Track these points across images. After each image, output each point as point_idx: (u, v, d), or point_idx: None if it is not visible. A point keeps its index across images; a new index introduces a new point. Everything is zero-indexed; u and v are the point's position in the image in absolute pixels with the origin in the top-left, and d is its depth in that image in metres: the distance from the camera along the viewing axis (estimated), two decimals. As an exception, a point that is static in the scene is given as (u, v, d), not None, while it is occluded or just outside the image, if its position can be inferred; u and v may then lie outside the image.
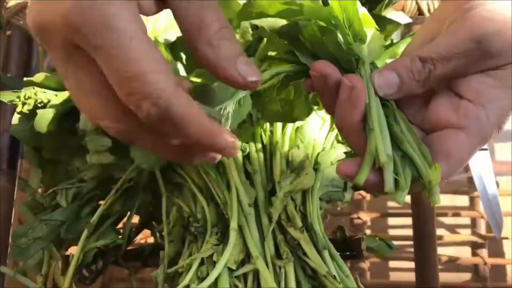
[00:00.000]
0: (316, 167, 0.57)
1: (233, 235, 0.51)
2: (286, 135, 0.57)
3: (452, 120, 0.35)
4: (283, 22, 0.39)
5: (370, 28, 0.40)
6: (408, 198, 0.74)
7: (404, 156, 0.35)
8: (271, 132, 0.57)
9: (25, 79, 0.55)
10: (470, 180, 1.02)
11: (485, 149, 0.66)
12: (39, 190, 0.63)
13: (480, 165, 0.66)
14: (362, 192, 0.97)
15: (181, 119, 0.29)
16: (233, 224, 0.51)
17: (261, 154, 0.56)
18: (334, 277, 0.48)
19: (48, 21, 0.28)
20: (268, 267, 0.49)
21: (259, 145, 0.56)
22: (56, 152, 0.59)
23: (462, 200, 1.07)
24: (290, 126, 0.57)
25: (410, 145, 0.35)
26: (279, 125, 0.57)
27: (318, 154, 0.58)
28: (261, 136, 0.56)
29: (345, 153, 0.61)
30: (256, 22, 0.40)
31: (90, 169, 0.60)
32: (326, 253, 0.51)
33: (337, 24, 0.38)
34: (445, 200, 1.08)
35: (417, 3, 0.68)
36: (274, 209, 0.53)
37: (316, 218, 0.53)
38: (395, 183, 0.34)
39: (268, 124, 0.57)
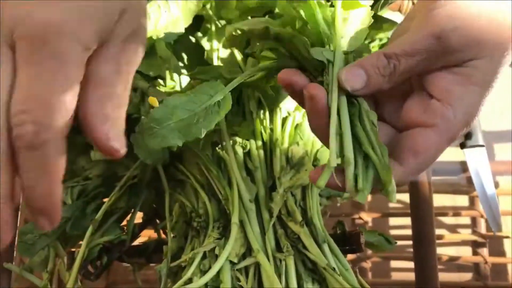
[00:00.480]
0: (315, 164, 0.58)
1: (234, 229, 0.52)
2: (285, 132, 0.58)
3: (422, 119, 0.37)
4: (263, 23, 0.41)
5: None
6: (407, 199, 0.75)
7: (367, 157, 0.36)
8: (271, 129, 0.58)
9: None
10: (470, 180, 1.03)
11: (482, 146, 0.68)
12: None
13: (477, 161, 0.67)
14: (363, 193, 0.99)
15: None
16: (235, 219, 0.53)
17: (261, 151, 0.57)
18: (334, 269, 0.49)
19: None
20: (269, 260, 0.50)
21: (259, 142, 0.57)
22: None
23: (462, 200, 1.07)
24: (289, 123, 0.58)
25: (371, 146, 0.36)
26: (278, 122, 0.58)
27: (317, 150, 0.59)
28: (261, 133, 0.58)
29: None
30: (238, 25, 0.42)
31: (94, 167, 0.61)
32: (325, 247, 0.52)
33: (304, 27, 0.40)
34: (445, 200, 1.09)
35: (413, 3, 0.69)
36: (274, 204, 0.54)
37: (316, 212, 0.55)
38: (356, 184, 0.35)
39: (268, 122, 0.58)
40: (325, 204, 0.61)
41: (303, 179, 0.56)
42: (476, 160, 0.67)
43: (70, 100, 0.30)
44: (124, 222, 0.62)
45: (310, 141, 0.59)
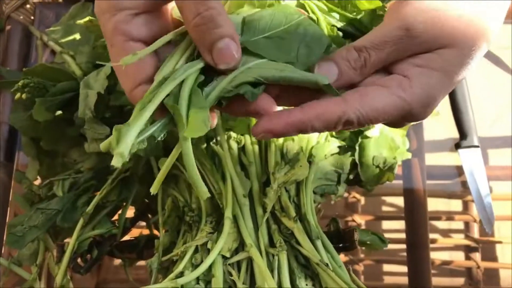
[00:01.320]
0: (310, 160, 0.58)
1: (227, 224, 0.51)
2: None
3: (378, 82, 0.37)
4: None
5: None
6: (401, 202, 0.75)
7: None
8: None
9: (24, 69, 0.55)
10: (464, 184, 1.03)
11: (477, 146, 0.68)
12: (36, 182, 0.64)
13: (472, 161, 0.67)
14: (357, 195, 0.98)
15: None
16: (228, 213, 0.52)
17: (256, 146, 0.57)
18: (327, 265, 0.48)
19: None
20: (261, 256, 0.50)
21: (254, 138, 0.57)
22: (54, 143, 0.59)
23: (456, 204, 1.07)
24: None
25: None
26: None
27: (312, 147, 0.58)
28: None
29: (339, 147, 0.62)
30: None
31: (86, 160, 0.61)
32: (319, 243, 0.51)
33: None
34: (438, 204, 1.09)
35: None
36: (268, 199, 0.54)
37: (310, 209, 0.54)
38: None
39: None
40: (319, 201, 0.61)
41: (298, 175, 0.55)
42: (471, 160, 0.67)
43: None
44: (116, 217, 0.61)
45: (305, 137, 0.58)
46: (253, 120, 0.58)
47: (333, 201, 0.62)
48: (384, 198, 1.08)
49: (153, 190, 0.34)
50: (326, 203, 0.62)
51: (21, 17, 0.70)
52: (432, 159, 0.77)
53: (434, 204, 1.04)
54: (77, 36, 0.59)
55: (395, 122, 0.39)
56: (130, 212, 0.62)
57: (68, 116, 0.56)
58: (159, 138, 0.33)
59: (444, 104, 0.71)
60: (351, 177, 0.64)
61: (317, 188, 0.60)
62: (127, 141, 0.31)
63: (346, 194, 0.98)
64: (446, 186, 0.97)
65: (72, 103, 0.55)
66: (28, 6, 0.70)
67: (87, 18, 0.55)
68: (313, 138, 0.59)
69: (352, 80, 0.38)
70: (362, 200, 1.04)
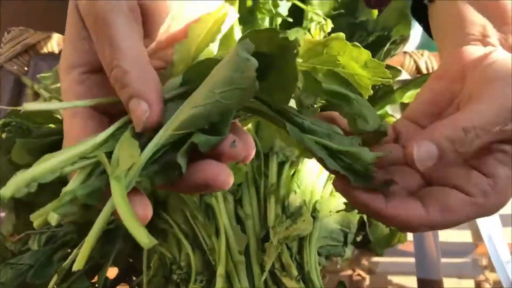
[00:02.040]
0: (314, 215, 0.52)
1: (219, 283, 0.45)
2: (282, 178, 0.53)
3: (461, 184, 0.33)
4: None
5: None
6: (412, 260, 0.68)
7: None
8: (266, 175, 0.53)
9: (10, 109, 0.52)
10: (475, 263, 0.96)
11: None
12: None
13: (490, 226, 0.62)
14: (362, 273, 0.91)
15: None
16: (221, 270, 0.46)
17: (254, 198, 0.52)
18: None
19: None
20: (258, 321, 0.43)
21: (252, 188, 0.52)
22: (34, 192, 0.54)
23: (467, 284, 1.00)
24: (286, 170, 0.53)
25: None
26: (274, 167, 0.53)
27: (316, 201, 0.53)
28: (254, 178, 0.53)
29: (345, 203, 0.57)
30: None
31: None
32: (324, 307, 0.45)
33: None
34: (449, 283, 1.01)
35: (415, 61, 0.68)
36: (267, 256, 0.48)
37: (314, 268, 0.48)
38: None
39: (262, 166, 0.53)
40: (324, 264, 0.55)
41: (301, 230, 0.50)
42: (489, 225, 0.61)
43: None
44: (96, 278, 0.55)
45: (308, 190, 0.54)
46: (252, 171, 0.53)
47: (340, 265, 0.56)
48: (391, 277, 1.01)
49: (76, 267, 0.27)
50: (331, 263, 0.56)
51: (15, 67, 0.68)
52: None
53: (446, 283, 0.96)
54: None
55: None
56: (111, 272, 0.56)
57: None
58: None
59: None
60: (358, 239, 0.58)
61: (321, 249, 0.54)
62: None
63: (350, 271, 0.91)
64: (456, 265, 0.88)
65: (57, 148, 0.51)
66: (22, 57, 0.69)
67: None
68: (317, 191, 0.54)
69: (449, 163, 0.33)
70: (368, 279, 0.96)
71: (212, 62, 0.29)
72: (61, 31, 0.73)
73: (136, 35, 0.30)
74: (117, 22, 0.29)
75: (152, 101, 0.28)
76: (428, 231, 0.32)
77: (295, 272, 0.46)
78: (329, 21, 0.51)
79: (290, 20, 0.52)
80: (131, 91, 0.29)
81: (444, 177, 0.34)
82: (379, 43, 0.54)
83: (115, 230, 0.52)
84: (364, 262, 0.75)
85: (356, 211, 0.56)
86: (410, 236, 0.64)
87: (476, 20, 0.37)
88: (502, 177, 0.33)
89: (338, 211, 0.56)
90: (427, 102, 0.38)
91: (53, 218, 0.27)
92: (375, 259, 0.67)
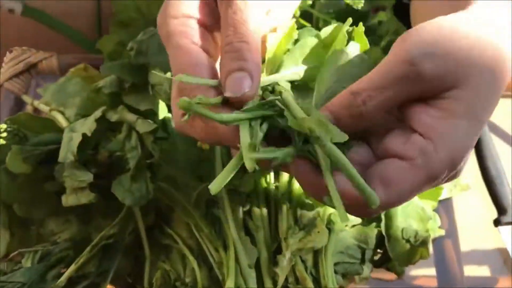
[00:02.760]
0: (329, 227, 0.49)
1: (228, 297, 0.41)
2: (293, 189, 0.50)
3: (399, 150, 0.31)
4: None
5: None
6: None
7: None
8: (276, 186, 0.50)
9: (7, 118, 0.50)
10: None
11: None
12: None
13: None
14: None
15: None
16: (229, 285, 0.42)
17: (265, 209, 0.48)
18: None
19: None
20: (272, 338, 0.39)
21: (263, 198, 0.49)
22: (30, 206, 0.51)
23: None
24: (298, 179, 0.50)
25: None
26: (285, 176, 0.50)
27: (331, 213, 0.50)
28: (265, 188, 0.49)
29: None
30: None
31: (66, 230, 0.52)
32: (344, 323, 0.40)
33: None
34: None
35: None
36: (280, 269, 0.44)
37: (331, 282, 0.44)
38: None
39: (272, 175, 0.50)
40: (341, 284, 0.50)
41: (315, 242, 0.46)
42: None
43: None
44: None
45: (322, 201, 0.50)
46: (262, 181, 0.50)
47: (357, 284, 0.51)
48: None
49: None
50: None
51: (16, 86, 0.66)
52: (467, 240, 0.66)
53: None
54: (70, 88, 0.54)
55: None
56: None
57: (48, 173, 0.49)
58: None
59: (475, 175, 0.63)
60: (375, 258, 0.54)
61: (337, 266, 0.49)
62: None
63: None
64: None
65: (55, 157, 0.48)
66: (23, 76, 0.67)
67: (82, 65, 0.51)
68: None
69: (355, 129, 0.32)
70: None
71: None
72: (63, 51, 0.72)
73: (261, 21, 0.34)
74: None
75: (256, 82, 0.32)
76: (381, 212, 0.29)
77: (311, 286, 0.42)
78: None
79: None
80: (244, 66, 0.32)
81: (384, 148, 0.32)
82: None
83: (115, 245, 0.48)
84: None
85: (374, 224, 0.53)
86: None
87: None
88: (438, 129, 0.30)
89: (354, 225, 0.52)
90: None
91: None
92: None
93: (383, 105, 0.31)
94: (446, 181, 0.33)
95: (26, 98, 0.64)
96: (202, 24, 0.35)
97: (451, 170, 0.31)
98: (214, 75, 0.33)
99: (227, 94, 0.32)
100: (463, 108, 0.31)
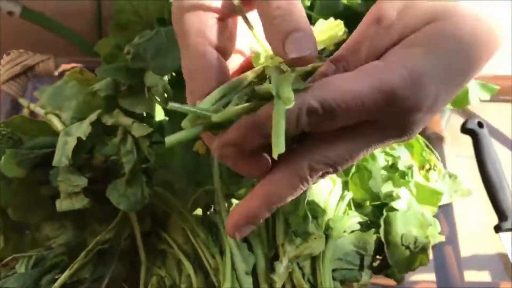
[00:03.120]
0: (327, 233, 0.48)
1: (224, 304, 0.40)
2: (291, 194, 0.49)
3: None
4: None
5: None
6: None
7: None
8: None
9: (1, 121, 0.49)
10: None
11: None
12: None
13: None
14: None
15: None
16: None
17: (262, 215, 0.48)
18: None
19: None
20: None
21: (260, 204, 0.48)
22: (24, 211, 0.50)
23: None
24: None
25: None
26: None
27: (329, 219, 0.49)
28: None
29: (360, 223, 0.52)
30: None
31: (61, 235, 0.51)
32: (342, 332, 0.40)
33: None
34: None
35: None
36: (277, 276, 0.43)
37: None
38: None
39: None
40: (339, 291, 0.50)
41: (313, 248, 0.45)
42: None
43: None
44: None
45: (320, 207, 0.49)
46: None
47: (355, 291, 0.51)
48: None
49: None
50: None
51: (13, 89, 0.66)
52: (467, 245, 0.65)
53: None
54: (66, 91, 0.53)
55: (380, 111, 0.29)
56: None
57: (43, 177, 0.48)
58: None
59: (475, 180, 0.63)
60: (374, 264, 0.53)
61: (336, 273, 0.49)
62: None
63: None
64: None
65: (50, 161, 0.47)
66: (20, 79, 0.66)
67: (78, 68, 0.50)
68: (330, 209, 0.50)
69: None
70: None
71: None
72: (62, 54, 0.72)
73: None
74: None
75: (315, 41, 0.30)
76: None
77: (308, 293, 0.42)
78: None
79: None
80: (300, 25, 0.30)
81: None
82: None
83: (110, 250, 0.48)
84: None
85: (373, 230, 0.52)
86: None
87: None
88: (391, 54, 0.30)
89: (352, 231, 0.51)
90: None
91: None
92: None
93: (360, 65, 0.30)
94: (410, 106, 0.29)
95: (22, 101, 0.63)
96: (217, 11, 0.33)
97: (411, 86, 0.29)
98: (224, 80, 0.32)
99: (293, 55, 0.30)
100: (421, 37, 0.30)
